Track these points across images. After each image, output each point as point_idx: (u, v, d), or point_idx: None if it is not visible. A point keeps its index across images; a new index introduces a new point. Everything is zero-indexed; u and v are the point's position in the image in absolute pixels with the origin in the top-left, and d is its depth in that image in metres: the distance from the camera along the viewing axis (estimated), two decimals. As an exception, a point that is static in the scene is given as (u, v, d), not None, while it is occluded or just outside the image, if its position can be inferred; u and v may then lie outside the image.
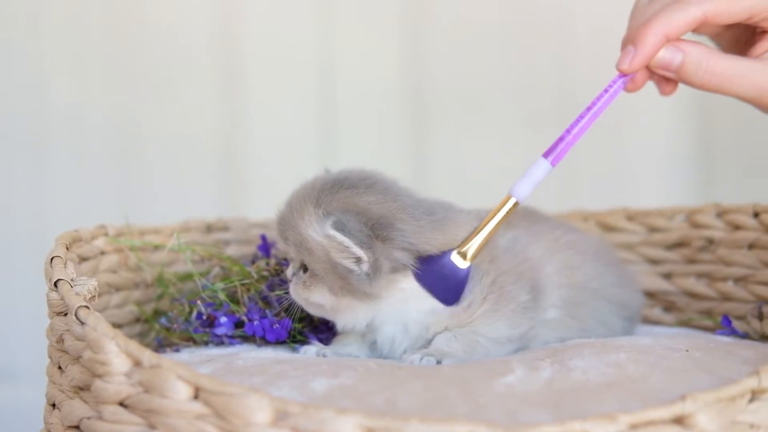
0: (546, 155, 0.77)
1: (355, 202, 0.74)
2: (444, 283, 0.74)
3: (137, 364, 0.59)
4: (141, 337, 0.89)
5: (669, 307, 1.03)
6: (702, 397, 0.55)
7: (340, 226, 0.71)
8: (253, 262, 0.87)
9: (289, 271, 0.78)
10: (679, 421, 0.55)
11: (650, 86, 0.86)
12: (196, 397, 0.57)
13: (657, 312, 1.03)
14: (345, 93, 1.47)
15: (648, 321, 1.03)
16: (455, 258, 0.74)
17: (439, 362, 0.71)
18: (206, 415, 0.56)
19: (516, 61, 1.47)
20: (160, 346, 0.84)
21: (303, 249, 0.74)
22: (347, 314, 0.75)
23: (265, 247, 0.87)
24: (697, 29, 0.82)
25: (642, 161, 1.49)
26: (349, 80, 1.47)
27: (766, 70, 0.77)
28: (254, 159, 1.46)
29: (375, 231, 0.72)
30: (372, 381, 0.63)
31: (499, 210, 0.75)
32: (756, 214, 0.94)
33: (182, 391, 0.57)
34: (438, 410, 0.58)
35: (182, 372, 0.57)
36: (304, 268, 0.76)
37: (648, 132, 1.45)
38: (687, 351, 0.69)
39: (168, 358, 0.59)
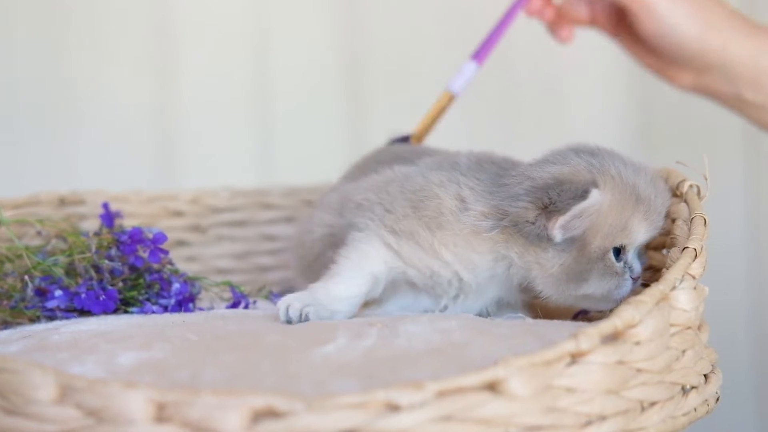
0: (474, 57, 0.96)
1: None
2: None
3: None
4: (-22, 317, 0.84)
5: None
6: (515, 361, 0.53)
7: None
8: (98, 235, 0.83)
9: (639, 266, 0.72)
10: (491, 387, 0.52)
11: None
12: (-23, 376, 0.53)
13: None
14: (280, 64, 1.43)
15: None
16: None
17: None
18: (-15, 395, 0.52)
19: (453, 31, 1.43)
20: (-6, 325, 0.80)
21: None
22: None
23: (108, 216, 0.84)
24: None
25: (579, 122, 1.47)
26: (283, 52, 1.43)
27: None
28: (188, 131, 1.42)
29: None
30: (184, 353, 0.60)
31: (438, 104, 0.95)
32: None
33: (-40, 370, 0.53)
34: (244, 382, 0.55)
35: (-38, 348, 0.53)
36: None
37: (585, 92, 1.42)
38: (521, 317, 0.67)
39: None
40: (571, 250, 0.69)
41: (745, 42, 0.92)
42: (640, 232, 0.71)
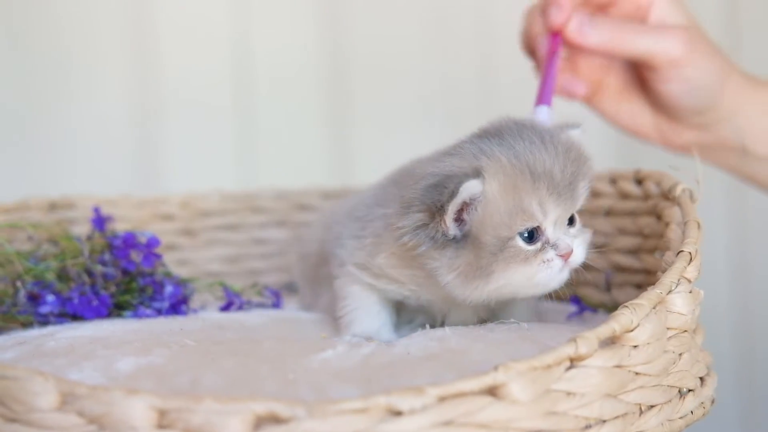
0: (540, 103, 0.82)
1: None
2: None
3: None
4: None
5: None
6: (515, 366, 0.53)
7: None
8: (90, 239, 0.83)
9: (565, 242, 0.66)
10: (491, 391, 0.53)
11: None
12: (-23, 384, 0.52)
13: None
14: (263, 66, 1.43)
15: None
16: None
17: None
18: (-15, 403, 0.52)
19: (436, 33, 1.44)
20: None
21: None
22: None
23: (99, 220, 0.83)
24: None
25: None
26: (267, 54, 1.43)
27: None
28: (172, 134, 1.41)
29: None
30: (183, 359, 0.60)
31: None
32: (613, 181, 0.92)
33: (-41, 378, 0.53)
34: (244, 388, 0.55)
35: (-40, 356, 0.53)
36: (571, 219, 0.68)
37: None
38: (515, 323, 0.67)
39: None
40: (468, 245, 0.65)
41: (753, 93, 0.91)
42: (549, 210, 0.65)
